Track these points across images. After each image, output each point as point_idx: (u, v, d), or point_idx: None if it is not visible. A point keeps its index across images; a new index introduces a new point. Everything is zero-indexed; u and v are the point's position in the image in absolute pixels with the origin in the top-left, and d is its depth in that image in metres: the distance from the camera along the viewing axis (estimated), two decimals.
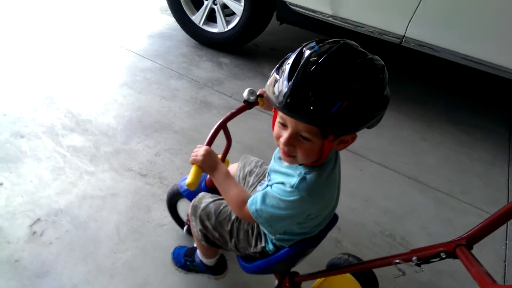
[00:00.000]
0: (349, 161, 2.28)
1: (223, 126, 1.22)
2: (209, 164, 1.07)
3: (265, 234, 1.16)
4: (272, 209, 0.96)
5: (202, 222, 1.21)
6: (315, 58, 0.78)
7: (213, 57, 3.16)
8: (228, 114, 1.22)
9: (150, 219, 1.76)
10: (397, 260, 0.96)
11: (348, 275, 1.42)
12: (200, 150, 1.08)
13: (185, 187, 1.39)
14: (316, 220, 1.05)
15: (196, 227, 1.24)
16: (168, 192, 1.60)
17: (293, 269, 1.37)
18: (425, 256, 0.93)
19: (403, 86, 3.16)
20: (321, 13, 2.65)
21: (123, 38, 3.27)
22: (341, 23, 2.64)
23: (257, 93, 1.25)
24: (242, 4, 2.89)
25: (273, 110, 0.93)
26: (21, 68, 2.70)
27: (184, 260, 1.51)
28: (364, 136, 1.30)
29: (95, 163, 2.00)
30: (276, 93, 0.82)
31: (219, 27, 3.09)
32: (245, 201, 1.03)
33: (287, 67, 0.81)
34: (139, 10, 3.83)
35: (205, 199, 1.24)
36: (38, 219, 1.69)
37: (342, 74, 0.77)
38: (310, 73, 0.77)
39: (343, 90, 0.76)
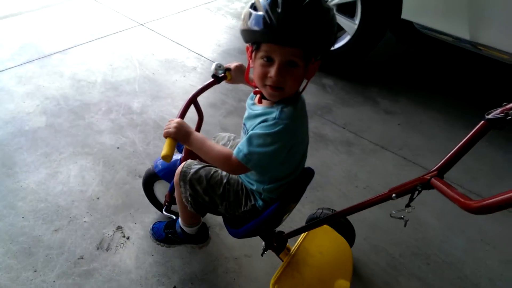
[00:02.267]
0: None
1: (193, 101, 1.20)
2: (182, 134, 1.05)
3: (252, 192, 1.16)
4: (260, 149, 0.95)
5: (192, 187, 1.18)
6: None
7: (315, 78, 2.80)
8: (198, 89, 1.21)
9: None
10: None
11: (327, 226, 1.49)
12: (171, 123, 1.05)
13: (160, 167, 1.42)
14: (296, 157, 1.08)
15: (185, 193, 1.21)
16: (144, 174, 1.56)
17: (278, 229, 1.38)
18: (403, 190, 0.97)
19: None
20: (456, 37, 2.22)
21: (203, 48, 2.98)
22: (478, 50, 2.20)
23: (225, 67, 1.25)
24: (357, 22, 2.49)
25: (248, 55, 0.99)
26: (126, 94, 2.47)
27: (165, 234, 1.47)
28: None
29: None
30: (261, 25, 0.86)
31: None
32: (230, 154, 1.01)
33: None
34: (213, 21, 3.52)
35: (194, 165, 1.21)
36: None
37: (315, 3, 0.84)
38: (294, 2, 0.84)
39: (320, 13, 0.85)
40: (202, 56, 2.91)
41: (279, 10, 0.83)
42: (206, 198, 1.19)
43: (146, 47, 2.95)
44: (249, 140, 0.96)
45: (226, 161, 1.02)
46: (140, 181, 1.83)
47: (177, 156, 1.40)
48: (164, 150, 0.99)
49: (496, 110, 0.79)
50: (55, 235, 1.57)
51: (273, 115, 0.95)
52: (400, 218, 1.03)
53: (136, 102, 2.36)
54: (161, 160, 1.45)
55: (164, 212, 1.49)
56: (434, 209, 1.85)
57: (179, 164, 1.33)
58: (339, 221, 1.54)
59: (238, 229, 1.21)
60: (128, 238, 1.59)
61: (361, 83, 2.79)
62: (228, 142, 1.37)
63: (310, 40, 0.87)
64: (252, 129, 0.98)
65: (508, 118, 0.75)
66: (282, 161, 1.03)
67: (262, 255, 1.39)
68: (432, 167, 0.93)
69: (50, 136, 2.03)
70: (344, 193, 1.92)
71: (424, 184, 0.91)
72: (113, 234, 1.60)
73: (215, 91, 2.53)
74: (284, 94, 0.96)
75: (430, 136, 2.37)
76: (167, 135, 1.04)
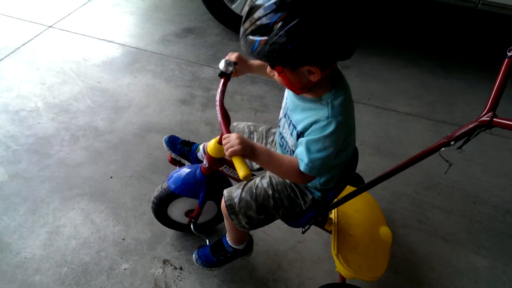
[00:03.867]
0: None
1: (223, 107, 1.09)
2: (248, 148, 0.96)
3: (306, 187, 1.14)
4: (321, 153, 0.92)
5: (245, 214, 1.13)
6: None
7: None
8: (219, 95, 1.09)
9: None
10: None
11: (349, 186, 1.45)
12: (232, 140, 0.95)
13: (174, 186, 1.30)
14: (351, 143, 1.05)
15: (239, 223, 1.15)
16: (154, 201, 1.39)
17: None
18: (460, 135, 0.94)
19: None
20: None
21: (137, 39, 2.69)
22: None
23: (233, 61, 1.13)
24: None
25: None
26: (83, 114, 2.10)
27: (216, 258, 1.38)
28: None
29: None
30: None
31: None
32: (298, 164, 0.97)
33: None
34: None
35: (234, 193, 1.15)
36: None
37: (261, 15, 0.80)
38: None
39: (260, 28, 0.81)
40: (141, 49, 2.60)
41: None
42: (261, 217, 1.15)
43: (72, 52, 2.50)
44: (307, 147, 0.92)
45: (298, 172, 0.97)
46: None
47: (189, 167, 1.32)
48: (241, 171, 0.90)
49: None
50: None
51: (325, 113, 0.91)
52: (447, 161, 1.03)
53: (99, 120, 2.04)
54: (173, 178, 1.33)
55: (194, 231, 1.40)
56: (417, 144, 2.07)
57: (200, 175, 1.27)
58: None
59: (298, 220, 1.20)
60: (181, 268, 1.47)
61: None
62: (251, 135, 1.30)
63: (258, 55, 0.86)
64: (302, 131, 0.95)
65: None
66: (338, 152, 0.99)
67: (303, 232, 1.38)
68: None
69: (23, 188, 1.67)
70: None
71: (485, 125, 0.93)
72: (163, 270, 1.46)
73: (175, 85, 2.33)
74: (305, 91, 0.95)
75: (385, 80, 2.57)
76: (233, 154, 0.94)
